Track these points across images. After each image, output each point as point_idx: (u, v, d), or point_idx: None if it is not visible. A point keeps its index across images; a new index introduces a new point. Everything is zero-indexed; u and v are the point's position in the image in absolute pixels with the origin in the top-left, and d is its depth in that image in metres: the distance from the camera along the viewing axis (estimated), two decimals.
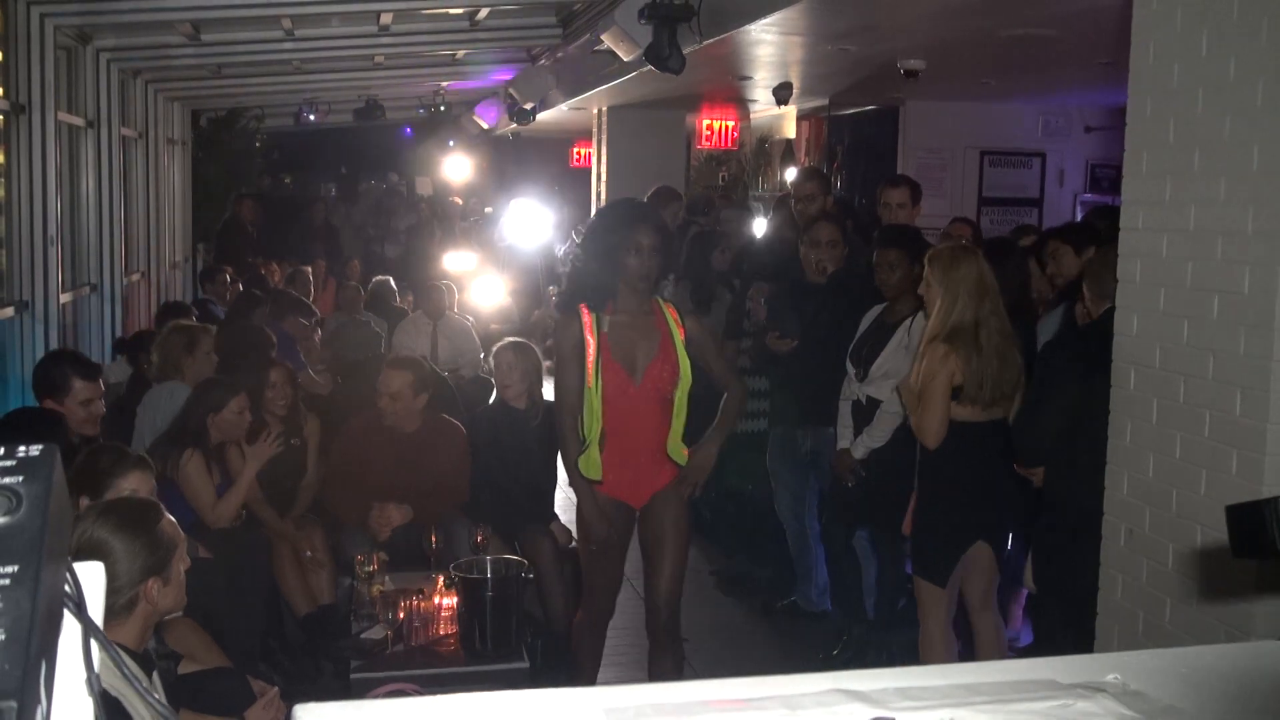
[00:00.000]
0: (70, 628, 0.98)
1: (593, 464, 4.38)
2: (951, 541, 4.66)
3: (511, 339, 6.10)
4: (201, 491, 5.15)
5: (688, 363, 4.40)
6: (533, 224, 16.02)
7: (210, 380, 5.57)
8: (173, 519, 3.13)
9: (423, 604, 4.59)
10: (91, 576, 1.05)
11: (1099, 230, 5.34)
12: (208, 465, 5.22)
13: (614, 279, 4.33)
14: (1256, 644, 2.71)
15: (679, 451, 4.44)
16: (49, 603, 0.91)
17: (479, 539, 4.98)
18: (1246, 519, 1.84)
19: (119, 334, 8.61)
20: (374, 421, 5.68)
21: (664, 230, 4.52)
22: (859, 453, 5.37)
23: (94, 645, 0.98)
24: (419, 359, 6.21)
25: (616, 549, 4.49)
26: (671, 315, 4.47)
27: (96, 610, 1.03)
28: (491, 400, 5.89)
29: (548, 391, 5.85)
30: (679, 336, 4.41)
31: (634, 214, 4.46)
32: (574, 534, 5.98)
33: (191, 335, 6.15)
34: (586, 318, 4.32)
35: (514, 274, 14.39)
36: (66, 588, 0.97)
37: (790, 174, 11.63)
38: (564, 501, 6.61)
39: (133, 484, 3.76)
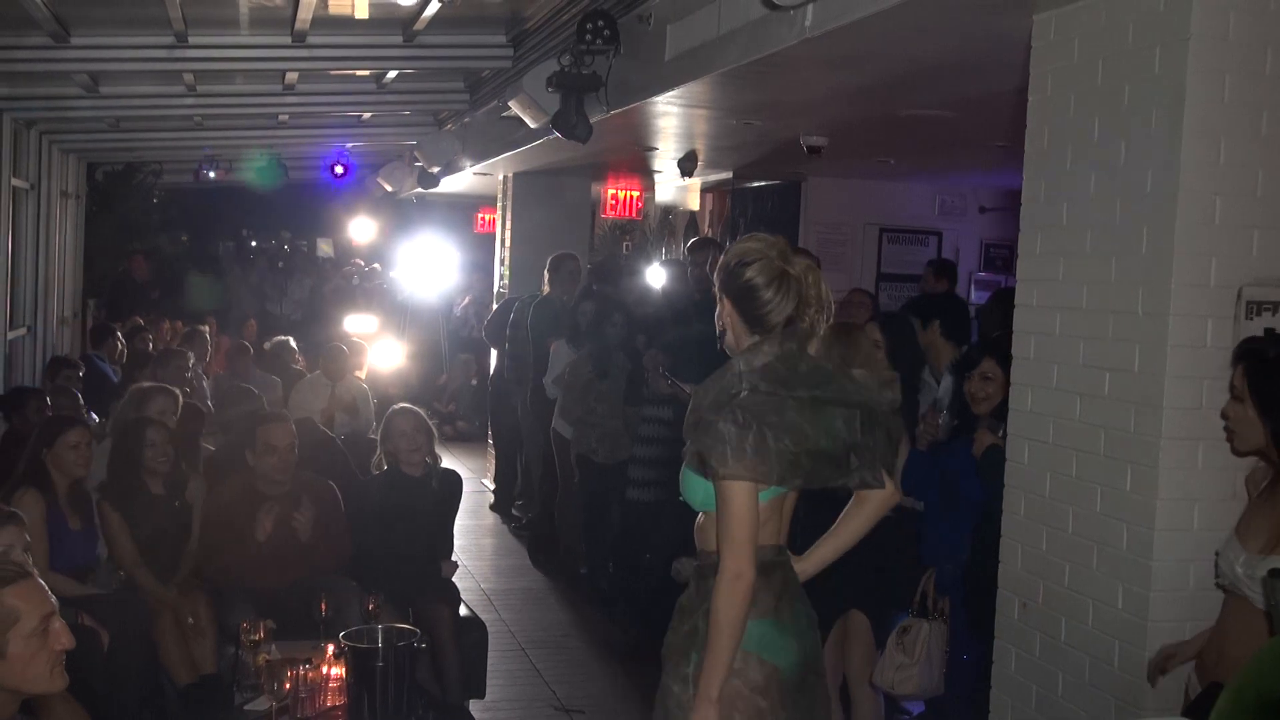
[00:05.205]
0: None
1: None
2: (825, 606, 4.66)
3: (401, 405, 5.99)
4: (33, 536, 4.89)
5: None
6: (432, 270, 15.32)
7: (53, 416, 5.47)
8: (40, 586, 2.79)
9: (310, 674, 4.43)
10: None
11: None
12: (46, 506, 5.07)
13: None
14: None
15: None
16: None
17: (370, 607, 4.85)
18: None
19: (0, 390, 8.33)
20: (247, 486, 5.51)
21: None
22: None
23: None
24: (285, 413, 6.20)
25: None
26: None
27: None
28: (385, 468, 5.76)
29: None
30: None
31: None
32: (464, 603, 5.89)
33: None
34: None
35: (414, 335, 14.12)
36: None
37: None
38: (460, 571, 6.51)
39: (3, 541, 3.62)
